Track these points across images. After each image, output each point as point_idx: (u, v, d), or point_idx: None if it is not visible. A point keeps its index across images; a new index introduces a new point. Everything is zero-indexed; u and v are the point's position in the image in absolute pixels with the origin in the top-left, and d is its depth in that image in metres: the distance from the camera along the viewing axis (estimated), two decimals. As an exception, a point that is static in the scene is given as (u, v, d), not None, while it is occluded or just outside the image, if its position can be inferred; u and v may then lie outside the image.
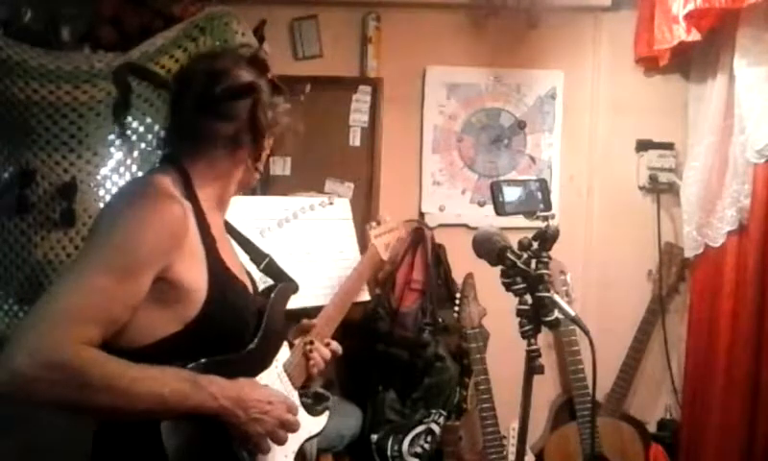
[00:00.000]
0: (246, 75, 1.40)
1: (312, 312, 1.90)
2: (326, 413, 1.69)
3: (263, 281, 1.66)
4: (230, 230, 1.58)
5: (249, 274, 1.53)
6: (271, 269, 1.72)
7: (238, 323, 1.39)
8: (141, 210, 1.25)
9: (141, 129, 2.32)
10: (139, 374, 1.19)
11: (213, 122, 1.38)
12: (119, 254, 1.21)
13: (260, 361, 1.45)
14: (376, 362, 2.62)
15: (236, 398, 1.29)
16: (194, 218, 1.32)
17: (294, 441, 1.52)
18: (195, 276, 1.29)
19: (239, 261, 1.52)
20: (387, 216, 2.25)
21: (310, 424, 1.62)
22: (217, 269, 1.33)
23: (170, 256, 1.25)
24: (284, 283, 1.63)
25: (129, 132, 2.31)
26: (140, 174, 2.30)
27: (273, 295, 1.54)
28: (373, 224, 2.20)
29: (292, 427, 1.39)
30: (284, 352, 1.57)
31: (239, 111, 1.39)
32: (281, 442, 1.37)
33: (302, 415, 1.57)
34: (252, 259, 1.71)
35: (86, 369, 1.14)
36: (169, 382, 1.21)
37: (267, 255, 1.72)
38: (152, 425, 1.23)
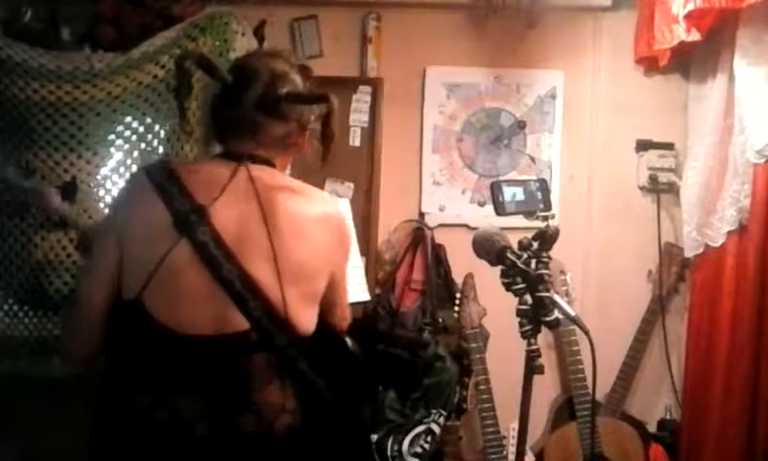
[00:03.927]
0: (299, 79, 1.48)
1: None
2: None
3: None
4: None
5: None
6: None
7: None
8: None
9: (141, 129, 2.31)
10: None
11: (271, 121, 1.44)
12: None
13: None
14: (376, 362, 2.62)
15: None
16: None
17: None
18: None
19: None
20: None
21: None
22: None
23: None
24: None
25: (128, 132, 2.31)
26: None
27: None
28: None
29: None
30: None
31: (294, 115, 1.46)
32: None
33: None
34: None
35: None
36: None
37: None
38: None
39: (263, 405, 1.34)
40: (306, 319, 1.40)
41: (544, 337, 2.77)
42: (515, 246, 1.38)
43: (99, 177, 2.27)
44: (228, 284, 1.32)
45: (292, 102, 1.44)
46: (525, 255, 1.35)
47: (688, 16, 2.39)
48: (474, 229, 1.76)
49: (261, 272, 1.35)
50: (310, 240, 1.41)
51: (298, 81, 1.47)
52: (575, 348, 2.61)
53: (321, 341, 1.42)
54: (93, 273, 1.40)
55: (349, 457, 1.51)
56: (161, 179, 1.38)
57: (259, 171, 1.43)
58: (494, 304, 2.47)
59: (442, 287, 2.73)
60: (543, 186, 1.52)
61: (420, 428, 2.53)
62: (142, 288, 1.32)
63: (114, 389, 1.36)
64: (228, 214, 1.37)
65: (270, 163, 1.46)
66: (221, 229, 1.35)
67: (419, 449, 2.52)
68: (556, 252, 1.42)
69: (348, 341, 1.56)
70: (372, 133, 2.78)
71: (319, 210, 1.45)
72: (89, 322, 1.38)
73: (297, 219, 1.40)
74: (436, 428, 2.54)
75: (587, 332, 1.33)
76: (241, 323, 1.34)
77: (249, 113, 1.43)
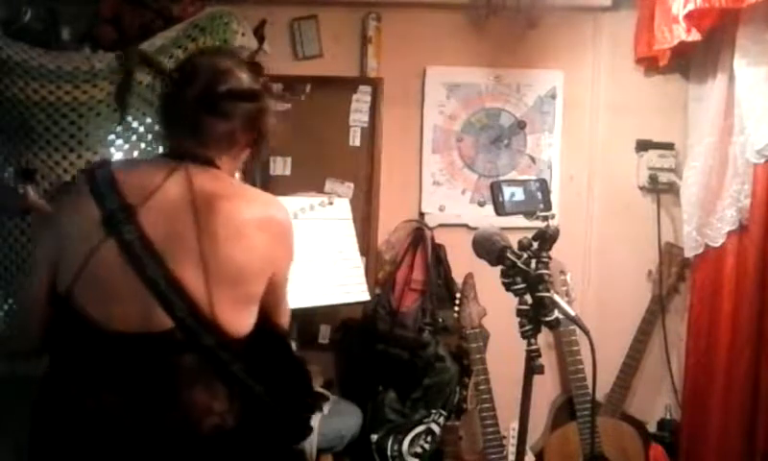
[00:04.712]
0: (246, 77, 1.45)
1: (312, 312, 1.89)
2: None
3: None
4: None
5: None
6: None
7: None
8: None
9: (141, 129, 2.32)
10: None
11: (213, 119, 1.42)
12: None
13: None
14: (376, 362, 2.62)
15: None
16: None
17: None
18: None
19: None
20: None
21: None
22: None
23: None
24: None
25: (128, 132, 2.31)
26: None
27: None
28: None
29: None
30: None
31: (238, 112, 1.43)
32: None
33: None
34: None
35: None
36: None
37: None
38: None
39: (189, 405, 1.33)
40: (239, 321, 1.37)
41: (544, 337, 2.77)
42: (515, 246, 1.38)
43: (99, 177, 2.27)
44: (153, 284, 1.32)
45: (231, 99, 1.42)
46: (525, 255, 1.35)
47: (688, 16, 2.39)
48: (474, 229, 1.76)
49: (188, 273, 1.33)
50: (246, 242, 1.38)
51: (243, 78, 1.44)
52: (575, 348, 2.61)
53: (263, 344, 1.41)
54: (34, 265, 1.49)
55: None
56: (99, 177, 1.39)
57: (200, 172, 1.41)
58: (494, 304, 2.47)
59: (442, 287, 2.73)
60: (543, 186, 1.52)
61: (420, 428, 2.53)
62: (72, 283, 1.34)
63: (51, 380, 1.39)
64: (159, 214, 1.35)
65: (212, 163, 1.43)
66: (149, 228, 1.34)
67: (419, 449, 2.52)
68: (556, 252, 1.42)
69: (293, 345, 1.55)
70: (372, 133, 2.79)
71: (258, 213, 1.43)
72: (31, 311, 1.44)
73: (233, 221, 1.38)
74: (436, 428, 2.54)
75: (587, 332, 1.33)
76: (166, 322, 1.33)
77: (190, 111, 1.41)
